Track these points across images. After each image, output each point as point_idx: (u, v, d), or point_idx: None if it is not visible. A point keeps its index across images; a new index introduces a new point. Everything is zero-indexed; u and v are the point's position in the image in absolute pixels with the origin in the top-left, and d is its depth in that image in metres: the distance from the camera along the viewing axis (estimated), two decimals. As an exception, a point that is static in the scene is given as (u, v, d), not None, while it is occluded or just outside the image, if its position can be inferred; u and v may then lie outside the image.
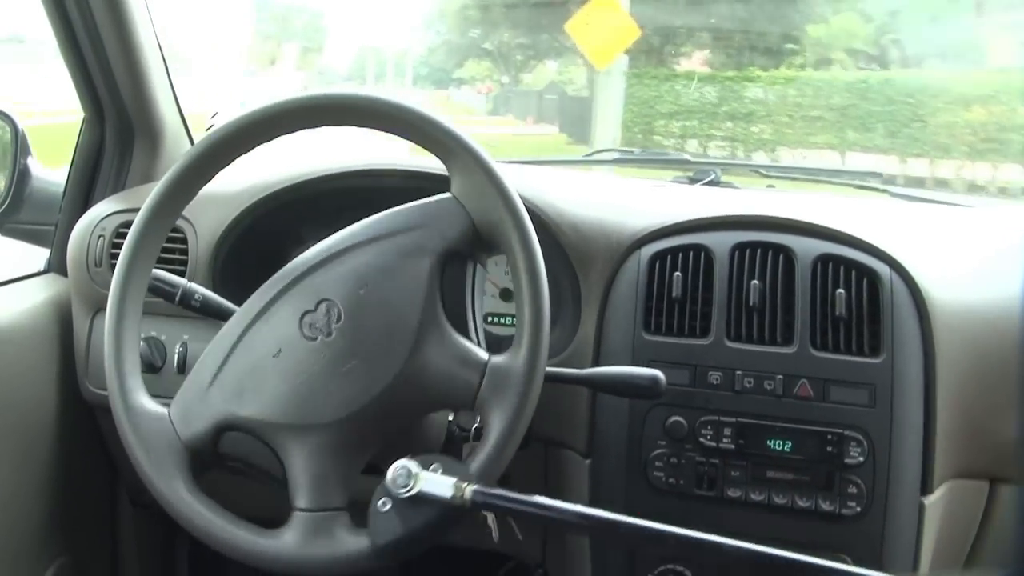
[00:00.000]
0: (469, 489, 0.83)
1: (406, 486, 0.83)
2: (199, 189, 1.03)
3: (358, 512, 0.90)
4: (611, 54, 3.58)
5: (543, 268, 0.93)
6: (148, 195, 1.01)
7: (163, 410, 0.96)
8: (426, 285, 0.94)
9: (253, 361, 0.94)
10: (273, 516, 0.92)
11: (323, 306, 0.94)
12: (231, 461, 0.99)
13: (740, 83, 7.32)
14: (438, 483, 0.84)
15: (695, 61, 9.09)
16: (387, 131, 0.98)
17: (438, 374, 0.93)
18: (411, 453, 1.08)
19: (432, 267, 0.94)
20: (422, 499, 0.83)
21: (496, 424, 0.90)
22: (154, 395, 0.99)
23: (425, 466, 0.85)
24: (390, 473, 0.84)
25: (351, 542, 0.88)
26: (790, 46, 8.23)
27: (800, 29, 8.24)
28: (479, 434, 1.09)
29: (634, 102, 7.03)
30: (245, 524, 0.91)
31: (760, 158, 6.47)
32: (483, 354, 0.93)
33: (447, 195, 0.97)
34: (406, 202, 0.99)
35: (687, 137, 7.35)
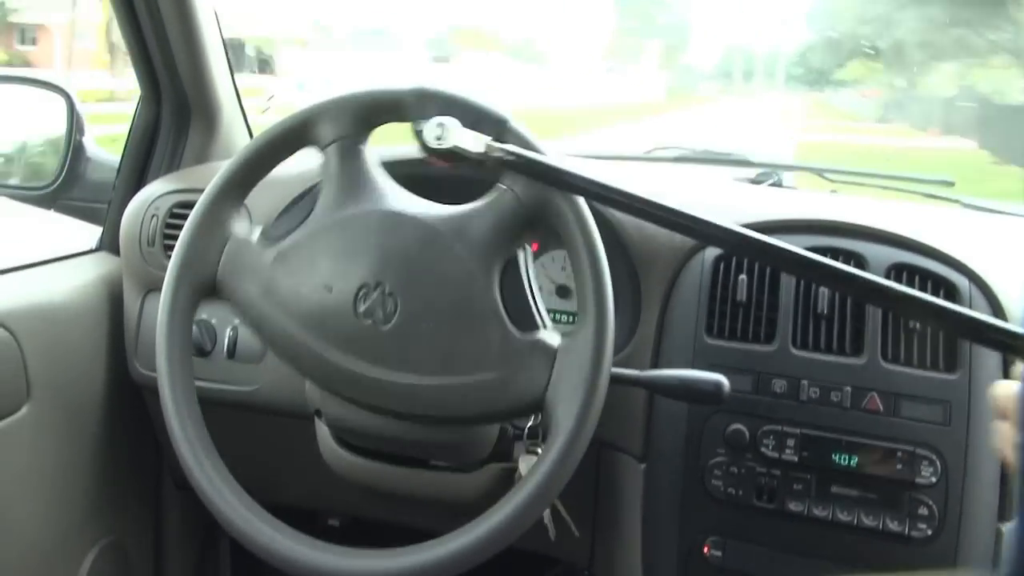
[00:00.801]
0: (497, 147, 0.87)
1: (439, 137, 0.87)
2: (265, 174, 1.02)
3: None
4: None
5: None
6: (203, 176, 1.00)
7: None
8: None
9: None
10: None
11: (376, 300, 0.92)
12: None
13: None
14: (468, 138, 0.88)
15: None
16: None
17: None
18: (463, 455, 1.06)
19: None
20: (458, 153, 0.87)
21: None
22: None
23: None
24: (425, 130, 0.87)
25: None
26: None
27: None
28: (533, 432, 1.07)
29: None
30: None
31: None
32: None
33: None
34: (456, 194, 0.97)
35: None
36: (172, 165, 1.57)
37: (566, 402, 0.87)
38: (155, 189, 1.45)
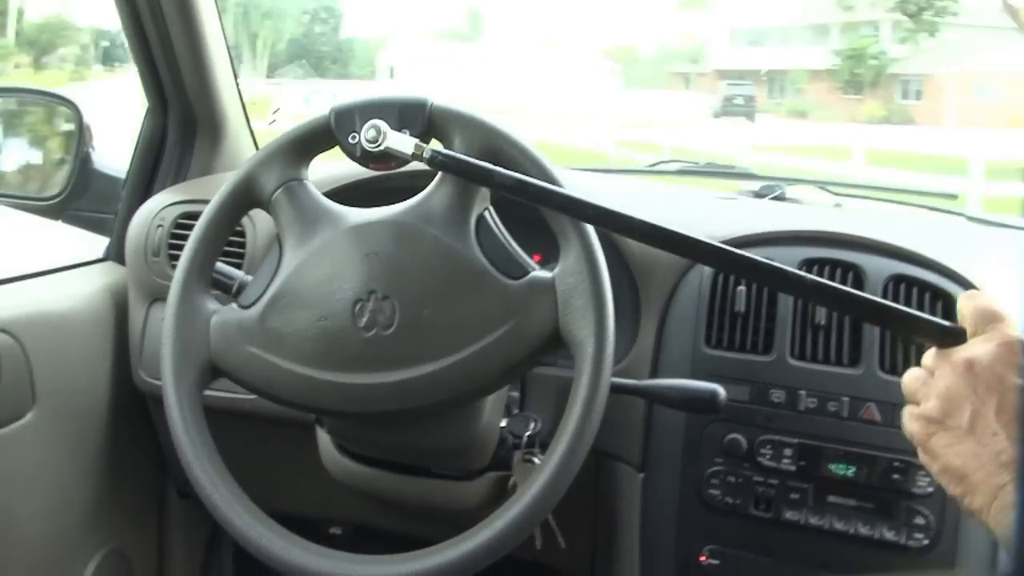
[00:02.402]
0: (428, 149, 0.88)
1: (375, 140, 0.90)
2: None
3: None
4: None
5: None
6: (209, 187, 1.00)
7: None
8: None
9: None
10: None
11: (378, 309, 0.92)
12: None
13: None
14: (402, 141, 0.89)
15: None
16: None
17: None
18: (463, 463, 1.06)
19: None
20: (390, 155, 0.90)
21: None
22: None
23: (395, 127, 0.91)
24: (363, 132, 0.90)
25: None
26: None
27: None
28: (531, 441, 1.08)
29: None
30: None
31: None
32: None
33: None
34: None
35: None
36: (179, 176, 1.58)
37: (579, 341, 0.88)
38: (161, 200, 1.46)
